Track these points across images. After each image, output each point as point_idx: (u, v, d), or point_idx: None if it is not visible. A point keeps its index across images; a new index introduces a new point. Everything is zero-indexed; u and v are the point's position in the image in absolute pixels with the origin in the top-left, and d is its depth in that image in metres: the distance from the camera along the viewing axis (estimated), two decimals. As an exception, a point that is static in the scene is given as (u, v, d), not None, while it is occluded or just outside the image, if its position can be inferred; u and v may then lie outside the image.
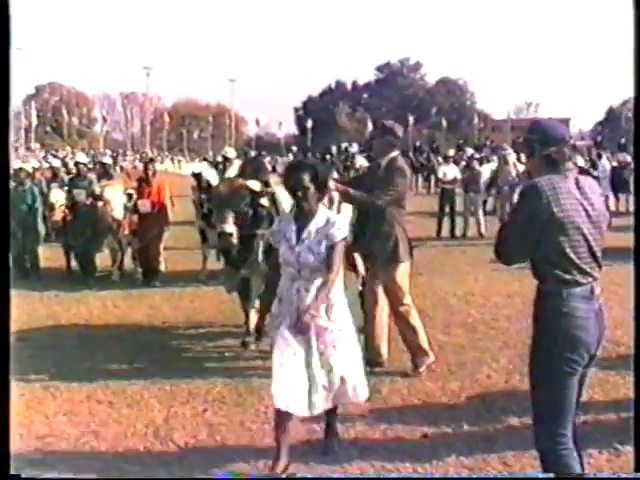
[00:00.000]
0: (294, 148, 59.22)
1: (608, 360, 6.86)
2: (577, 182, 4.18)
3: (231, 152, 14.72)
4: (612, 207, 21.54)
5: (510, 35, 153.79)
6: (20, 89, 68.78)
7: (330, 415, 5.67)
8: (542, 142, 4.22)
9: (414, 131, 78.64)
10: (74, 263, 13.86)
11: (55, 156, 42.76)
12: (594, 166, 23.07)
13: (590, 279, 4.15)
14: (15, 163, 16.94)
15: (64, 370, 7.85)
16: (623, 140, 42.05)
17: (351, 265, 8.19)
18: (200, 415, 6.56)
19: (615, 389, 6.82)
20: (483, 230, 18.98)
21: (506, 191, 18.36)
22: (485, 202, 21.68)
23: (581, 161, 20.50)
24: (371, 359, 7.72)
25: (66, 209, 13.46)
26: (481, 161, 24.50)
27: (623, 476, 5.17)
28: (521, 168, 18.32)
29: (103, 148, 65.53)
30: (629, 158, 23.46)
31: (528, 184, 4.22)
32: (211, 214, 9.90)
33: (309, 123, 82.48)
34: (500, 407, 6.51)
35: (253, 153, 42.53)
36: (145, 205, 13.21)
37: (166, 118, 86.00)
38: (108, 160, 18.04)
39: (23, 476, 4.20)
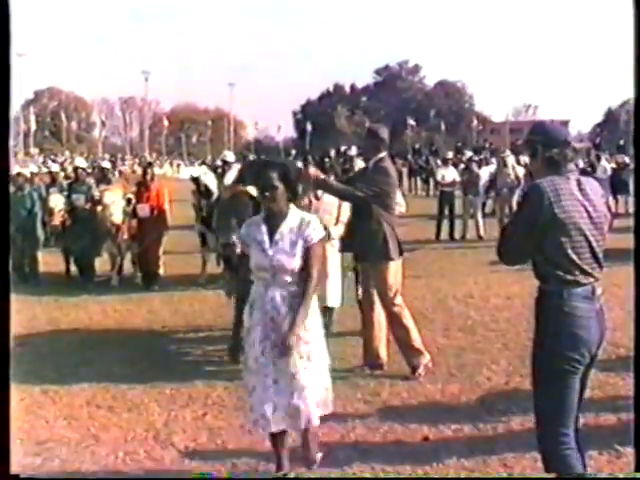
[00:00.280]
0: (293, 151, 59.17)
1: (608, 362, 6.86)
2: (579, 183, 4.21)
3: (230, 156, 14.73)
4: (611, 208, 21.55)
5: (509, 37, 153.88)
6: (19, 94, 68.70)
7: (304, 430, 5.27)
8: (544, 144, 4.25)
9: (413, 134, 78.80)
10: (73, 268, 13.87)
11: (54, 161, 42.88)
12: (592, 167, 23.06)
13: (591, 279, 4.17)
14: (14, 168, 16.98)
15: (64, 375, 7.86)
16: (622, 142, 42.03)
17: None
18: (200, 419, 6.57)
19: (615, 391, 6.82)
20: (482, 232, 18.99)
21: (505, 193, 18.37)
22: (484, 204, 21.72)
23: (580, 163, 20.56)
24: (370, 362, 7.76)
25: (65, 214, 13.48)
26: (480, 164, 24.49)
27: (621, 476, 5.17)
28: (520, 170, 18.34)
29: (102, 153, 65.63)
30: (627, 160, 23.48)
31: (530, 185, 4.25)
32: (210, 218, 9.92)
33: (308, 126, 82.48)
34: (500, 409, 6.51)
35: (252, 157, 42.54)
36: (144, 209, 13.20)
37: (165, 122, 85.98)
38: (107, 165, 18.06)
39: (22, 476, 4.20)
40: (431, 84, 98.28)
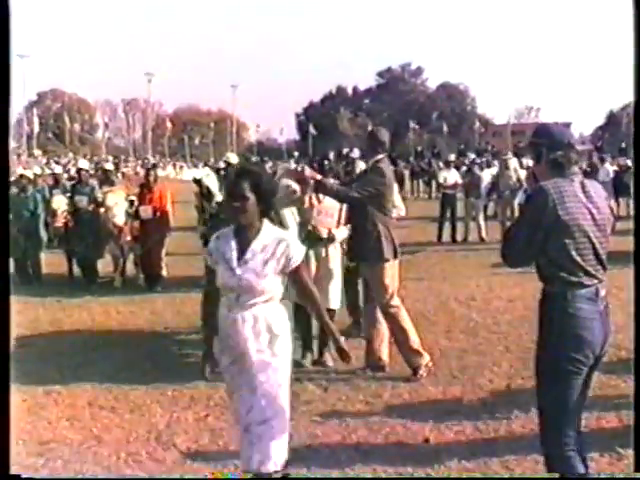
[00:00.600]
0: (295, 153, 59.24)
1: (609, 364, 6.87)
2: (583, 186, 4.23)
3: (233, 158, 14.73)
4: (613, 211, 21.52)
5: (511, 40, 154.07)
6: (22, 96, 68.77)
7: None
8: (548, 146, 4.27)
9: (415, 136, 78.80)
10: (76, 269, 13.90)
11: (57, 162, 42.87)
12: (594, 170, 23.07)
13: (595, 281, 4.20)
14: (17, 170, 17.02)
15: (66, 376, 7.88)
16: (623, 144, 42.07)
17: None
18: (202, 420, 6.58)
19: (617, 393, 6.82)
20: (484, 235, 19.00)
21: (507, 196, 18.36)
22: (486, 207, 21.72)
23: (582, 165, 20.54)
24: (372, 363, 7.77)
25: (68, 215, 13.50)
26: (482, 166, 24.51)
27: (622, 476, 5.18)
28: (522, 173, 18.33)
29: (105, 154, 65.54)
30: (630, 162, 23.47)
31: (535, 188, 4.26)
32: (212, 220, 9.92)
33: (310, 129, 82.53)
34: (502, 411, 6.51)
35: (254, 159, 42.59)
36: (146, 211, 13.23)
37: (168, 124, 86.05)
38: (110, 166, 18.07)
39: (23, 476, 4.21)
40: (433, 86, 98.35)
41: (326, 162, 8.84)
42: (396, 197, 8.80)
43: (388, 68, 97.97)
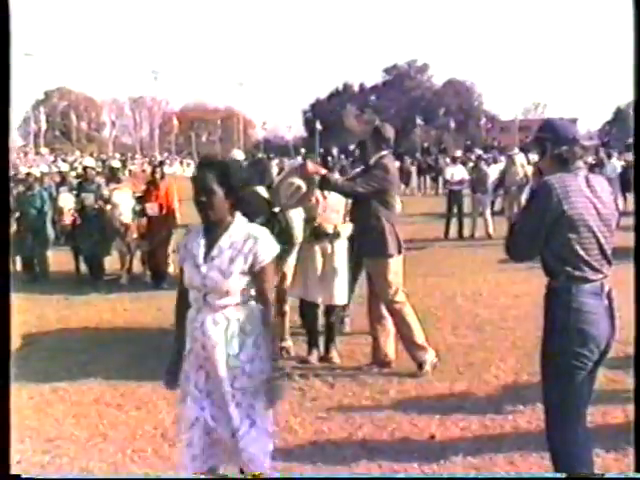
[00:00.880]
0: (302, 150, 59.18)
1: (616, 359, 6.84)
2: (587, 180, 4.23)
3: (239, 155, 14.73)
4: (620, 206, 21.49)
5: (517, 36, 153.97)
6: (29, 94, 68.97)
7: None
8: (553, 141, 4.27)
9: (422, 132, 78.72)
10: (83, 266, 13.91)
11: (64, 160, 42.96)
12: (600, 165, 23.00)
13: (600, 276, 4.20)
14: (24, 168, 17.07)
15: (73, 373, 7.88)
16: (630, 140, 41.95)
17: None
18: (208, 416, 6.57)
19: (623, 388, 6.80)
20: (491, 231, 18.96)
21: (514, 192, 18.33)
22: (493, 203, 21.69)
23: (589, 160, 20.49)
24: (378, 359, 7.77)
25: (75, 213, 13.51)
26: (488, 162, 24.46)
27: (631, 475, 5.16)
28: (529, 169, 18.29)
29: (112, 152, 65.65)
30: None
31: (539, 182, 4.26)
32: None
33: (317, 125, 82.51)
34: (508, 407, 6.51)
35: (260, 155, 42.56)
36: (153, 208, 13.24)
37: (175, 122, 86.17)
38: (116, 164, 18.10)
39: (23, 476, 4.21)
40: (440, 83, 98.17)
41: (329, 158, 8.78)
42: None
43: (394, 65, 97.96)
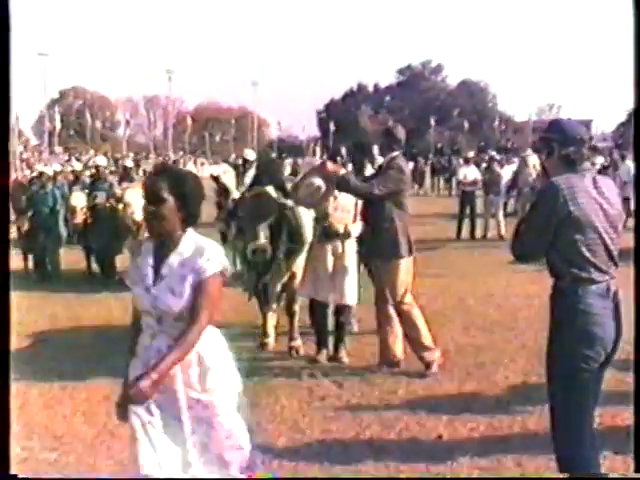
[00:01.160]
0: (317, 150, 59.16)
1: (626, 361, 6.81)
2: (594, 181, 4.22)
3: (250, 154, 14.75)
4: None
5: (532, 37, 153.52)
6: (44, 93, 69.15)
7: None
8: (561, 142, 4.25)
9: (436, 133, 78.55)
10: (95, 265, 13.95)
11: (78, 159, 43.07)
12: (614, 167, 22.92)
13: (606, 277, 4.18)
14: (39, 166, 17.15)
15: (83, 371, 7.90)
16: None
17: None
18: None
19: (632, 390, 6.77)
20: (503, 232, 18.88)
21: (526, 193, 18.30)
22: (506, 204, 21.63)
23: (601, 162, 20.41)
24: (387, 360, 7.75)
25: (87, 211, 13.56)
26: (502, 163, 24.40)
27: (632, 476, 5.14)
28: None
29: (126, 151, 65.80)
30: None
31: (546, 183, 4.25)
32: (229, 216, 9.92)
33: (331, 125, 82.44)
34: (516, 409, 6.49)
35: (274, 155, 42.57)
36: (165, 207, 13.25)
37: (189, 121, 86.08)
38: (129, 163, 18.16)
39: (23, 476, 4.20)
40: (454, 84, 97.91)
41: (338, 158, 8.79)
42: None
43: (408, 65, 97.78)
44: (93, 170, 16.83)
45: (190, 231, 3.85)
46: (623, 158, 24.97)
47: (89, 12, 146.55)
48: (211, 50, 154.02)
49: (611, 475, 5.02)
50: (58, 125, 70.22)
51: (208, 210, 15.42)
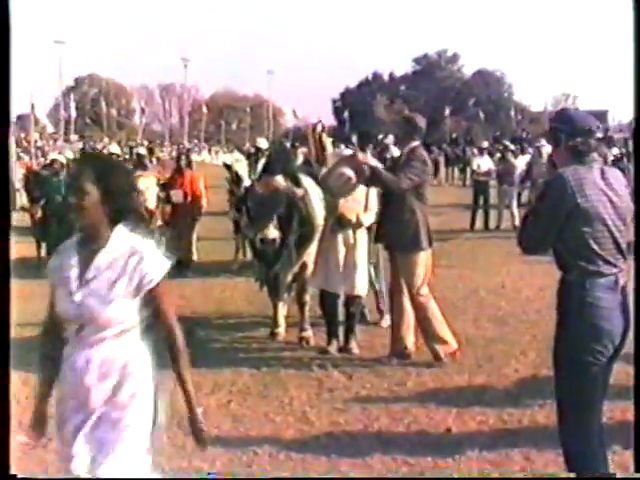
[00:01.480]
0: (331, 139, 59.08)
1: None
2: (602, 173, 4.16)
3: (263, 143, 14.77)
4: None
5: (548, 26, 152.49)
6: (59, 81, 69.17)
7: None
8: (568, 132, 4.20)
9: (452, 123, 78.22)
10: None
11: (93, 147, 43.18)
12: (629, 158, 22.76)
13: (615, 270, 4.12)
14: (53, 154, 17.16)
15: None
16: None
17: None
18: (224, 406, 6.57)
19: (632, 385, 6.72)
20: (517, 223, 18.78)
21: (541, 183, 18.12)
22: (520, 194, 21.50)
23: (616, 152, 20.28)
24: (397, 351, 7.72)
25: (99, 199, 13.55)
26: (516, 153, 24.26)
27: (635, 476, 5.10)
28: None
29: (141, 139, 65.83)
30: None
31: (553, 175, 4.20)
32: (241, 205, 9.89)
33: (345, 114, 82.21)
34: (526, 402, 6.45)
35: (288, 144, 42.46)
36: (177, 195, 13.28)
37: (204, 109, 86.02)
38: (143, 151, 18.14)
39: (19, 476, 4.17)
40: (470, 73, 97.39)
41: (350, 146, 8.74)
42: None
43: (424, 55, 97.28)
44: (107, 158, 16.80)
45: (120, 228, 3.40)
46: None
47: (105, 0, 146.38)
48: (227, 38, 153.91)
49: (618, 475, 4.98)
50: (74, 113, 70.35)
51: (221, 199, 15.50)
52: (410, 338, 7.77)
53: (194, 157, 31.99)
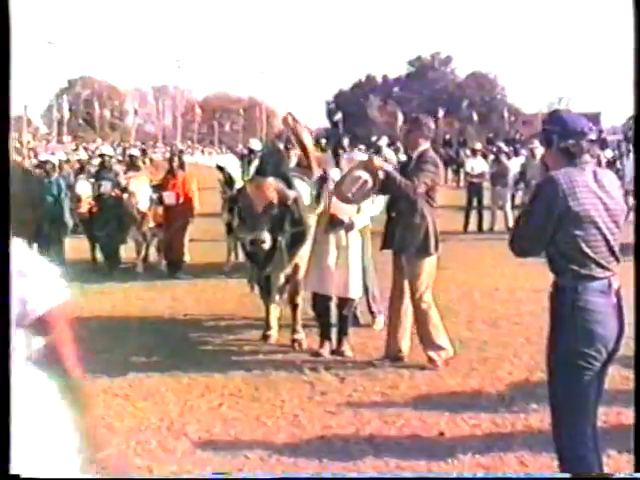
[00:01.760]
0: (324, 141, 59.04)
1: (631, 358, 6.73)
2: (595, 175, 4.12)
3: (256, 144, 14.72)
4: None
5: (541, 29, 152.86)
6: (52, 83, 69.19)
7: None
8: (560, 134, 4.16)
9: (445, 124, 78.28)
10: (99, 255, 13.90)
11: (86, 148, 43.07)
12: (621, 160, 22.78)
13: (607, 273, 4.08)
14: (44, 155, 17.10)
15: (83, 362, 7.81)
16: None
17: None
18: (215, 409, 6.52)
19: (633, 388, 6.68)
20: (511, 224, 18.76)
21: (534, 185, 18.13)
22: (514, 196, 21.47)
23: (610, 154, 20.25)
24: (392, 355, 7.67)
25: (92, 201, 13.50)
26: (509, 155, 24.24)
27: (634, 476, 5.05)
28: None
29: (135, 140, 65.77)
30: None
31: (544, 177, 4.16)
32: (234, 207, 9.84)
33: (338, 116, 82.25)
34: (520, 405, 6.41)
35: (281, 146, 42.41)
36: (170, 197, 13.21)
37: (197, 111, 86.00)
38: (135, 152, 18.10)
39: (22, 476, 4.13)
40: (463, 75, 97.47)
41: (340, 151, 8.67)
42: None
43: (418, 57, 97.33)
44: (99, 159, 16.79)
45: (17, 243, 2.86)
46: (629, 152, 24.87)
47: (98, 1, 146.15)
48: (220, 40, 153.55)
49: (618, 475, 4.94)
50: (66, 114, 70.31)
51: (213, 200, 15.45)
52: (406, 342, 7.71)
53: (187, 158, 31.87)
